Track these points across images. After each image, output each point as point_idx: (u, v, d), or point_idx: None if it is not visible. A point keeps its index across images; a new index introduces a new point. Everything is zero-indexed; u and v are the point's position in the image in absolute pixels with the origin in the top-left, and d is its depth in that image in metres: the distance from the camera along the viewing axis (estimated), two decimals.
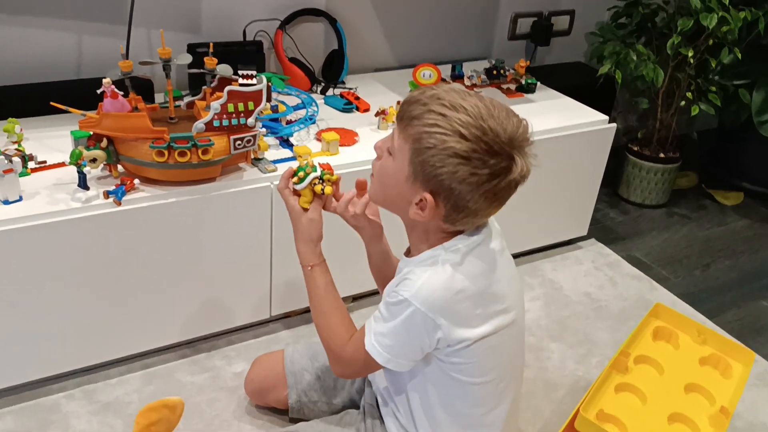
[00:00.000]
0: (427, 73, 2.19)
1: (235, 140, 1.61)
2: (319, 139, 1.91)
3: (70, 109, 1.54)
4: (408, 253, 1.27)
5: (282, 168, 1.75)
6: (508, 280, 1.23)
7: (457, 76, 2.46)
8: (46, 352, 1.63)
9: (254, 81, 1.62)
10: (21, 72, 1.92)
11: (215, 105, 1.57)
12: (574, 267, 2.38)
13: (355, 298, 2.06)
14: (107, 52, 2.00)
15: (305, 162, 1.27)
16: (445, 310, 1.13)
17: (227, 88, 1.56)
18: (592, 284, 2.30)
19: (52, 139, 1.77)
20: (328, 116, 2.08)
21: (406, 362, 1.20)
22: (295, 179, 1.27)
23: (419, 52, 2.58)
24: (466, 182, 1.07)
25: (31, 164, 1.63)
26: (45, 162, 1.66)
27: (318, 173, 1.25)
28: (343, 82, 2.31)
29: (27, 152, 1.63)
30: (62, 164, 1.64)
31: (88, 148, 1.55)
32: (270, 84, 1.92)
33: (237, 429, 1.63)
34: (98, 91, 1.52)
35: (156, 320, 1.74)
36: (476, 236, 1.19)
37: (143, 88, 1.83)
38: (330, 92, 2.24)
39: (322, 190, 1.25)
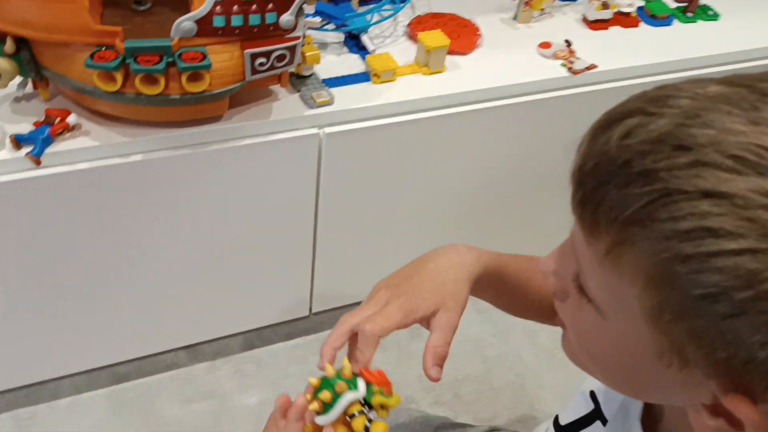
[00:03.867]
0: None
1: (253, 57, 0.84)
2: (413, 40, 1.10)
3: None
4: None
5: (344, 95, 0.98)
6: None
7: None
8: None
9: None
10: None
11: None
12: None
13: None
14: None
15: (336, 371, 0.56)
16: None
17: None
18: None
19: None
20: None
21: None
22: (315, 405, 0.54)
23: None
24: None
25: None
26: None
27: (360, 393, 0.55)
28: None
29: None
30: None
31: None
32: None
33: None
34: None
35: (129, 322, 1.10)
36: None
37: None
38: None
39: (367, 428, 0.54)
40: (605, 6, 1.19)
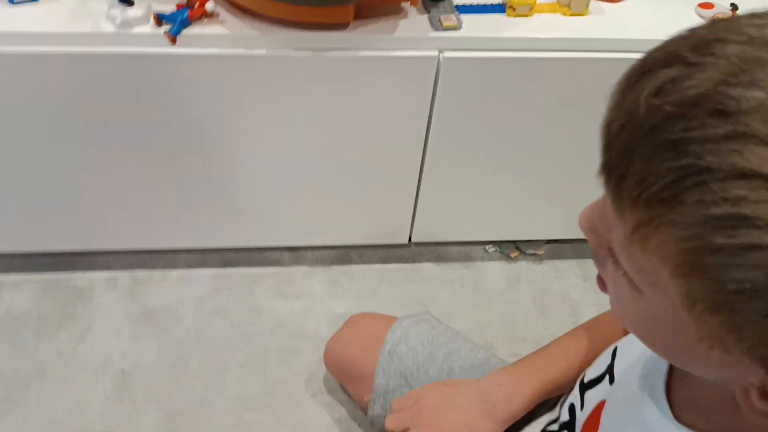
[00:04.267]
0: None
1: None
2: None
3: None
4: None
5: (474, 23, 0.96)
6: None
7: None
8: (98, 219, 1.16)
9: None
10: None
11: None
12: None
13: None
14: None
15: None
16: None
17: None
18: None
19: None
20: None
21: None
22: None
23: None
24: None
25: None
26: None
27: None
28: None
29: None
30: None
31: None
32: None
33: (303, 413, 1.08)
34: None
35: (245, 212, 1.17)
36: None
37: None
38: None
39: None
40: None
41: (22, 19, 0.90)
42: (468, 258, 1.30)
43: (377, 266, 1.28)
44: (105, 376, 1.10)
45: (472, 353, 0.93)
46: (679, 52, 0.34)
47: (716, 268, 0.32)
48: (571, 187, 1.17)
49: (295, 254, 1.28)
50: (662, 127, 0.33)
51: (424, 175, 1.13)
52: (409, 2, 0.95)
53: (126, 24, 0.91)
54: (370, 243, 1.26)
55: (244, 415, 1.08)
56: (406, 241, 1.25)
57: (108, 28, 0.91)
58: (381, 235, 1.24)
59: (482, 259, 1.30)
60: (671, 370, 0.51)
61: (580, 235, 0.43)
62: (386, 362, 0.95)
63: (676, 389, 0.51)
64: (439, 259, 1.30)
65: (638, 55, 1.00)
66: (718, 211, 0.31)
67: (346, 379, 1.04)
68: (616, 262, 0.40)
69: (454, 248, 1.30)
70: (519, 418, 0.76)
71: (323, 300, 1.23)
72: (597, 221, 0.42)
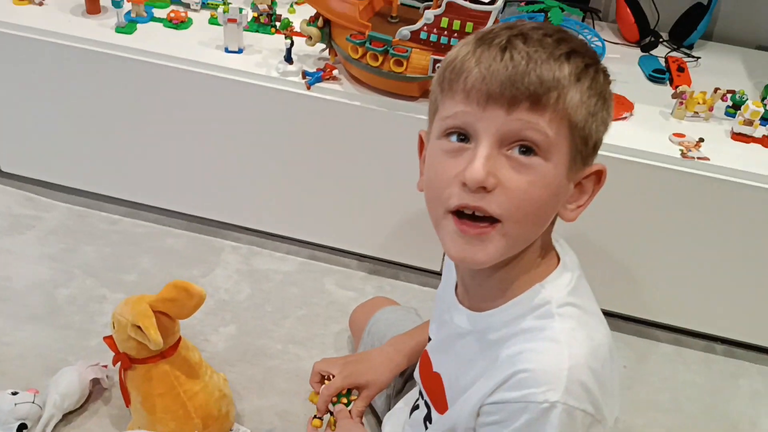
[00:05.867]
0: None
1: (436, 62, 1.36)
2: None
3: None
4: (470, 304, 0.85)
5: None
6: None
7: None
8: (235, 202, 1.73)
9: None
10: None
11: (429, 14, 1.34)
12: None
13: None
14: None
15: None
16: (601, 393, 0.73)
17: None
18: None
19: None
20: (624, 78, 1.61)
21: None
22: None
23: None
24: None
25: (279, 25, 1.64)
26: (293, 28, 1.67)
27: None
28: (690, 47, 1.77)
29: (283, 16, 1.66)
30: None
31: (308, 23, 1.49)
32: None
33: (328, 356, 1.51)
34: None
35: (329, 217, 1.69)
36: (569, 256, 0.82)
37: None
38: (656, 51, 1.73)
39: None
40: (749, 123, 1.43)
41: (228, 60, 1.53)
42: None
43: (416, 287, 1.71)
44: (210, 299, 1.61)
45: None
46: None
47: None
48: None
49: (360, 262, 1.75)
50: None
51: None
52: None
53: (285, 74, 1.50)
54: (410, 264, 1.71)
55: (290, 347, 1.53)
56: (439, 268, 1.68)
57: (274, 73, 1.50)
58: (418, 258, 1.69)
59: None
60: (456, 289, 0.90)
61: None
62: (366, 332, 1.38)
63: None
64: None
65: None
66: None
67: (356, 333, 1.47)
68: (527, 151, 0.67)
69: None
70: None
71: (368, 297, 1.67)
72: (489, 166, 0.67)
